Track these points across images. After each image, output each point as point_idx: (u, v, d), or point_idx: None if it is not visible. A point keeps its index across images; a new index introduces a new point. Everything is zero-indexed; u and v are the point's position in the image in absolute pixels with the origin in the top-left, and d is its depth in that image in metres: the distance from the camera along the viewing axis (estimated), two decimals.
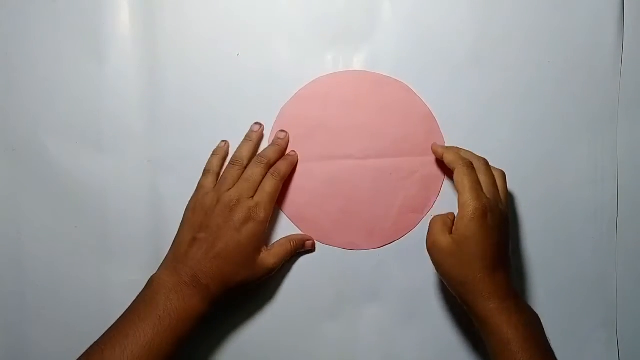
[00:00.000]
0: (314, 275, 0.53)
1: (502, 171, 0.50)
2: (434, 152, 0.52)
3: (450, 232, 0.46)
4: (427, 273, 0.53)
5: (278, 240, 0.52)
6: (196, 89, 0.54)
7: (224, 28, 0.54)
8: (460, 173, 0.47)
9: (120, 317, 0.45)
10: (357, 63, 0.54)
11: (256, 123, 0.53)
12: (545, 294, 0.54)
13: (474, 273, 0.44)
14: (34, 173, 0.54)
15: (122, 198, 0.53)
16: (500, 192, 0.48)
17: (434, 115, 0.53)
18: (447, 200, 0.53)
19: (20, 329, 0.54)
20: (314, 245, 0.53)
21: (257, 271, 0.48)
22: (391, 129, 0.53)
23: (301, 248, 0.52)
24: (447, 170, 0.53)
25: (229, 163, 0.52)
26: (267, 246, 0.51)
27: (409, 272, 0.53)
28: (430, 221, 0.48)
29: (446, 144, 0.53)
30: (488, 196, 0.46)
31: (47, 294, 0.54)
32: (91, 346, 0.44)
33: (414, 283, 0.53)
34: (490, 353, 0.45)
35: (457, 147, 0.52)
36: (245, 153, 0.52)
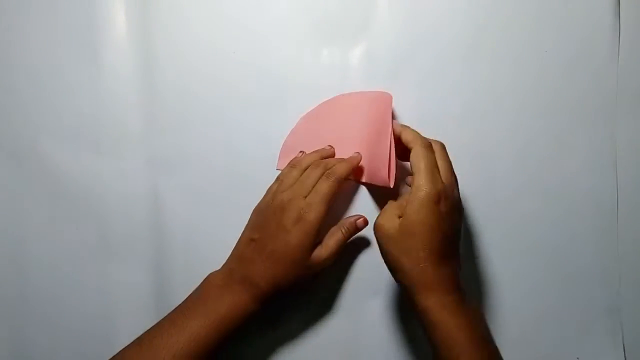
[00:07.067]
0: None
1: (447, 158, 0.47)
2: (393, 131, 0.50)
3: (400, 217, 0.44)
4: None
5: (329, 231, 0.50)
6: (193, 88, 0.54)
7: (219, 26, 0.54)
8: (417, 154, 0.45)
9: (173, 309, 0.46)
10: (353, 58, 0.53)
11: (330, 146, 0.53)
12: (549, 284, 0.54)
13: (417, 262, 0.42)
14: (34, 176, 0.54)
15: (121, 199, 0.54)
16: (450, 176, 0.45)
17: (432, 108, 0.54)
18: None
19: (22, 330, 0.54)
20: (366, 222, 0.51)
21: (310, 268, 0.48)
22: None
23: (354, 231, 0.50)
24: None
25: (288, 165, 0.52)
26: (320, 241, 0.49)
27: None
28: (400, 192, 0.47)
29: (444, 138, 0.53)
30: (444, 181, 0.44)
31: (48, 296, 0.54)
32: (143, 334, 0.45)
33: None
34: (432, 347, 0.43)
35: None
36: (308, 159, 0.51)
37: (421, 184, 0.43)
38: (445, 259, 0.43)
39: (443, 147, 0.47)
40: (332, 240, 0.49)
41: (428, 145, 0.46)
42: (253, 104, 0.54)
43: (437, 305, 0.42)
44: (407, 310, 0.53)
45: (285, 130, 0.54)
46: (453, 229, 0.44)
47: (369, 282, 0.54)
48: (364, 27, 0.53)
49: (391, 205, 0.45)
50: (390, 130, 0.48)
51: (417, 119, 0.53)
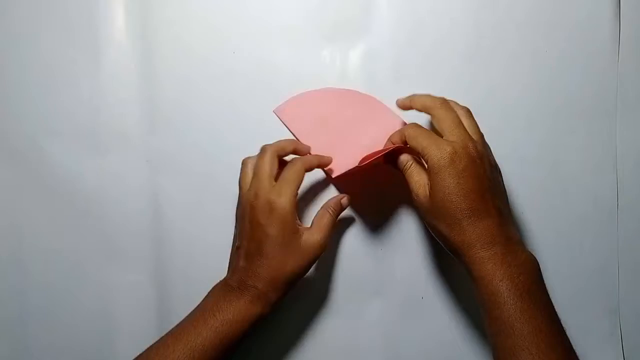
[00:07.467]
0: (316, 271, 0.53)
1: (466, 108, 0.47)
2: (400, 107, 0.49)
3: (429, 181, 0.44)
4: (429, 268, 0.53)
5: (316, 214, 0.49)
6: (193, 88, 0.54)
7: (219, 26, 0.54)
8: (410, 136, 0.45)
9: (177, 324, 0.46)
10: (353, 58, 0.53)
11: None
12: (549, 284, 0.53)
13: (453, 225, 0.43)
14: (34, 175, 0.54)
15: (121, 198, 0.54)
16: (469, 129, 0.45)
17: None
18: None
19: (23, 330, 0.54)
20: (349, 200, 0.51)
21: (305, 253, 0.46)
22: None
23: (340, 210, 0.50)
24: None
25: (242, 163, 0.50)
26: (307, 226, 0.49)
27: (411, 267, 0.53)
28: (406, 175, 0.46)
29: None
30: (451, 139, 0.44)
31: (48, 295, 0.54)
32: (146, 350, 0.44)
33: (416, 278, 0.53)
34: (478, 303, 0.43)
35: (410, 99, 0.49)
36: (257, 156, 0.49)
37: (430, 154, 0.43)
38: (478, 214, 0.42)
39: (444, 102, 0.46)
40: (321, 222, 0.48)
41: (414, 125, 0.46)
42: (253, 103, 0.54)
43: (478, 260, 0.42)
44: (406, 310, 0.53)
45: (286, 130, 0.54)
46: (479, 180, 0.43)
47: (369, 282, 0.54)
48: (364, 27, 0.53)
49: (412, 176, 0.46)
50: (376, 154, 0.48)
51: (416, 119, 0.53)
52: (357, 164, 0.49)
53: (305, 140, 0.52)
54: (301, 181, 0.47)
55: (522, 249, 0.44)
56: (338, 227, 0.53)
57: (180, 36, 0.54)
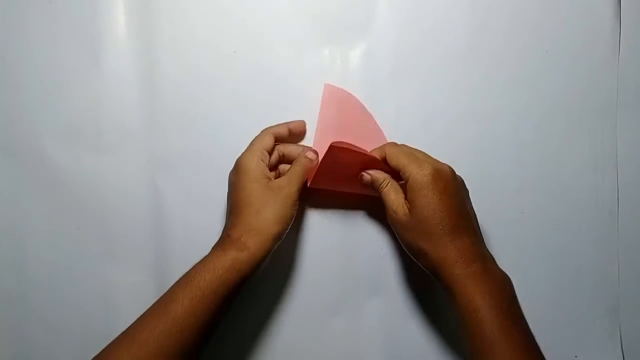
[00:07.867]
0: (317, 270, 0.54)
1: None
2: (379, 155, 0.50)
3: (406, 200, 0.46)
4: None
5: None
6: (194, 87, 0.54)
7: (220, 26, 0.54)
8: (391, 154, 0.47)
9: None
10: (354, 58, 0.53)
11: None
12: (548, 284, 0.54)
13: (435, 242, 0.44)
14: (34, 176, 0.54)
15: (122, 198, 0.54)
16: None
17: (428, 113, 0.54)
18: None
19: (23, 331, 0.54)
20: (315, 153, 0.50)
21: (272, 194, 0.46)
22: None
23: (308, 162, 0.49)
24: None
25: None
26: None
27: (411, 266, 0.53)
28: (383, 193, 0.47)
29: (444, 137, 0.53)
30: (428, 161, 0.46)
31: (49, 296, 0.54)
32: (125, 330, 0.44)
33: (416, 277, 0.53)
34: (457, 321, 0.44)
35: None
36: None
37: (412, 172, 0.45)
38: (459, 231, 0.44)
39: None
40: (290, 170, 0.48)
41: (392, 143, 0.49)
42: (253, 103, 0.54)
43: (458, 277, 0.43)
44: (406, 310, 0.53)
45: None
46: (457, 201, 0.45)
47: (369, 282, 0.54)
48: (364, 27, 0.53)
49: (390, 195, 0.47)
50: (354, 146, 0.48)
51: (417, 118, 0.53)
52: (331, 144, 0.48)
53: (318, 126, 0.53)
54: (268, 143, 0.49)
55: (497, 267, 0.45)
56: (338, 228, 0.53)
57: (180, 36, 0.54)
